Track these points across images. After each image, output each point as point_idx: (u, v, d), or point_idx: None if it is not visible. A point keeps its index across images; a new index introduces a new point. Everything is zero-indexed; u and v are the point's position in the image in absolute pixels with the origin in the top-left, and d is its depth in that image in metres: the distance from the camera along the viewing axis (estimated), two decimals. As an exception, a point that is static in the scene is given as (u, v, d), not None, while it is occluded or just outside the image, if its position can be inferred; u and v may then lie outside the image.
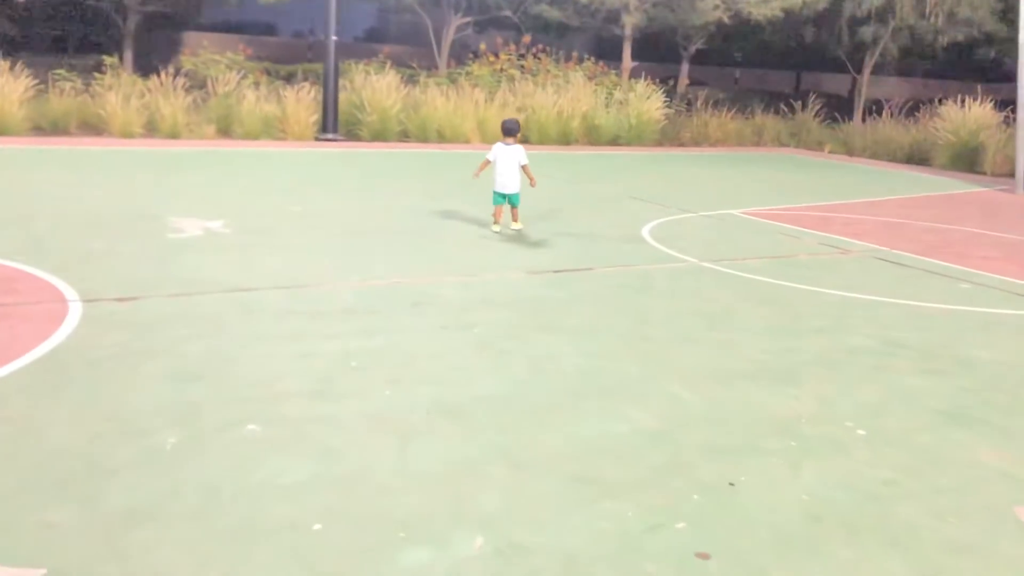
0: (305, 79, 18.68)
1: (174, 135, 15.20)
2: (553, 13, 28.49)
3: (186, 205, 8.91)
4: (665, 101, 19.89)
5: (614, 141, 19.41)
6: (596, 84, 20.27)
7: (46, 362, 4.40)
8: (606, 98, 19.88)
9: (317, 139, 16.31)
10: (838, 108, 28.44)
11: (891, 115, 20.27)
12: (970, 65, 43.67)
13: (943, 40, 27.48)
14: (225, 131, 16.20)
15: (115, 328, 4.96)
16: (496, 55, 21.06)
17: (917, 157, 18.77)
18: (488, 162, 8.71)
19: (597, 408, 4.22)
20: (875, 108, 30.32)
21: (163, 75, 16.23)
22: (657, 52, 32.16)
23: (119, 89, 15.79)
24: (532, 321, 5.62)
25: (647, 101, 19.56)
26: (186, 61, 17.97)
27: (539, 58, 21.25)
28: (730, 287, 6.87)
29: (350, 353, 4.77)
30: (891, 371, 5.05)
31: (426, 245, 7.77)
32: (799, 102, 22.58)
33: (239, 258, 6.81)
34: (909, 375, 5.00)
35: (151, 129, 15.62)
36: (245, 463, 3.43)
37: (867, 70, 29.06)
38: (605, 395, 4.40)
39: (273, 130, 16.18)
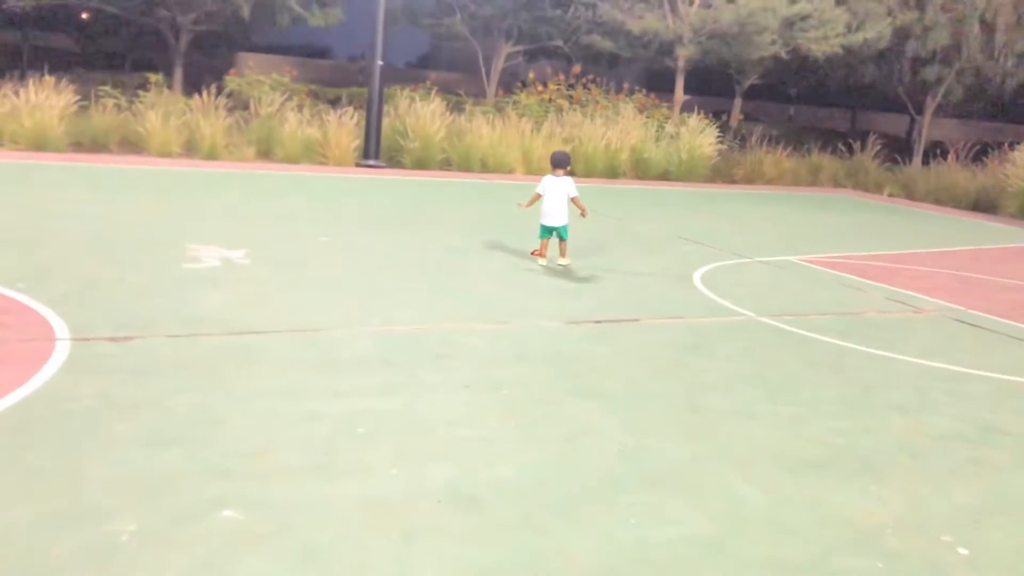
0: (350, 103, 18.33)
1: (212, 156, 14.89)
2: (605, 44, 28.02)
3: (209, 231, 8.44)
4: (718, 136, 19.19)
5: (663, 176, 18.74)
6: (646, 116, 19.66)
7: (11, 416, 3.86)
8: (656, 131, 19.25)
9: (358, 165, 15.90)
10: (896, 149, 27.46)
11: (956, 159, 19.31)
12: (1035, 109, 42.27)
13: (1011, 83, 26.41)
14: (265, 153, 15.87)
15: (99, 374, 4.42)
16: (545, 84, 20.57)
17: (984, 204, 17.80)
18: (538, 196, 8.30)
19: (640, 503, 3.55)
20: (936, 151, 29.28)
21: (205, 94, 15.98)
22: (709, 86, 31.55)
23: (160, 107, 15.56)
24: (569, 382, 4.97)
25: (699, 136, 18.88)
26: (230, 81, 17.73)
27: (589, 88, 20.73)
28: (791, 349, 6.14)
29: (358, 416, 4.16)
30: (990, 465, 4.29)
31: (459, 284, 7.18)
32: (857, 142, 21.68)
33: (253, 294, 6.27)
34: (1013, 471, 4.24)
35: (190, 149, 15.33)
36: (211, 565, 2.82)
37: (928, 111, 28.03)
38: (649, 485, 3.72)
39: (314, 154, 15.81)
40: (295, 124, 15.76)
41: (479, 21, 30.64)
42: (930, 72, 26.54)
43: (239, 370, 4.70)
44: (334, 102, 21.33)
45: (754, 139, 20.30)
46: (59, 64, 28.72)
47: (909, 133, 40.80)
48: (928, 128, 41.65)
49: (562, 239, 8.31)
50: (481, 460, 3.82)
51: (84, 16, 32.54)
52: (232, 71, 18.01)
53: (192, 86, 17.45)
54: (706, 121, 19.40)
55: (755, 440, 4.36)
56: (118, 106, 16.08)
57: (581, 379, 5.06)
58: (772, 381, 5.34)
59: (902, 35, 25.73)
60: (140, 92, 16.60)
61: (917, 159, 27.72)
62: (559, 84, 20.58)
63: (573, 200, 8.22)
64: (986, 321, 7.50)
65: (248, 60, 38.07)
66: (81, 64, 29.92)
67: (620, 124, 18.61)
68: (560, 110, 19.57)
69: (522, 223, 10.56)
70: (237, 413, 4.10)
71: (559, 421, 4.36)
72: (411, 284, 7.03)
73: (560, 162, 8.30)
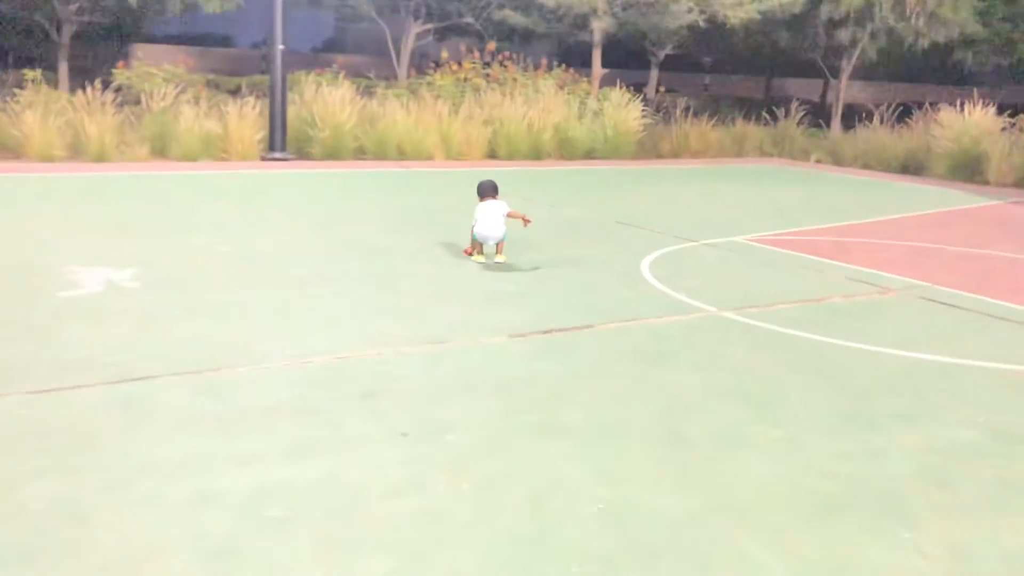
0: (251, 93, 17.08)
1: (101, 158, 13.54)
2: (518, 19, 27.11)
3: (93, 248, 7.35)
4: (643, 111, 18.58)
5: (589, 155, 18.05)
6: (568, 93, 18.90)
7: None
8: (579, 108, 18.52)
9: (263, 159, 14.74)
10: (813, 114, 27.35)
11: (880, 121, 19.12)
12: (943, 68, 43.16)
13: (923, 42, 26.55)
14: (160, 152, 14.56)
15: (-74, 461, 3.43)
16: (459, 64, 19.61)
17: (913, 166, 17.63)
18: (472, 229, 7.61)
19: (640, 594, 2.78)
20: (855, 114, 29.39)
21: (90, 90, 14.57)
22: (624, 59, 31.00)
23: (39, 107, 14.10)
24: (524, 417, 4.17)
25: (623, 111, 18.23)
26: (119, 74, 16.27)
27: (505, 66, 19.84)
28: (767, 348, 5.47)
29: (267, 494, 3.29)
30: (1021, 487, 3.67)
31: (385, 296, 6.29)
32: (780, 108, 21.38)
33: (140, 327, 5.28)
34: (1053, 496, 3.63)
35: (76, 151, 13.94)
36: None
37: (844, 74, 28.02)
38: (646, 561, 2.96)
39: (214, 150, 14.58)
40: (191, 118, 14.48)
41: (386, 0, 29.44)
42: (844, 35, 26.47)
43: (118, 435, 3.75)
44: (235, 92, 19.98)
45: (678, 111, 19.76)
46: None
47: (823, 97, 41.19)
48: (844, 92, 42.28)
49: (501, 240, 7.55)
50: (429, 544, 3.00)
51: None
52: (120, 63, 16.49)
53: (81, 83, 15.93)
54: (628, 95, 18.76)
55: (756, 479, 3.64)
56: (-10, 107, 14.56)
57: (538, 411, 4.27)
58: (754, 394, 4.64)
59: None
60: (16, 91, 15.09)
61: (835, 123, 27.76)
62: (474, 63, 19.63)
63: (509, 215, 7.53)
64: (957, 298, 6.98)
65: (142, 52, 35.99)
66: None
67: (541, 102, 17.80)
68: (477, 90, 18.66)
69: (450, 215, 9.72)
70: (110, 504, 3.18)
71: (520, 475, 3.56)
72: (329, 300, 6.12)
73: (488, 192, 7.65)
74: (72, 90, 15.77)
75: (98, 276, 6.42)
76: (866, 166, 18.46)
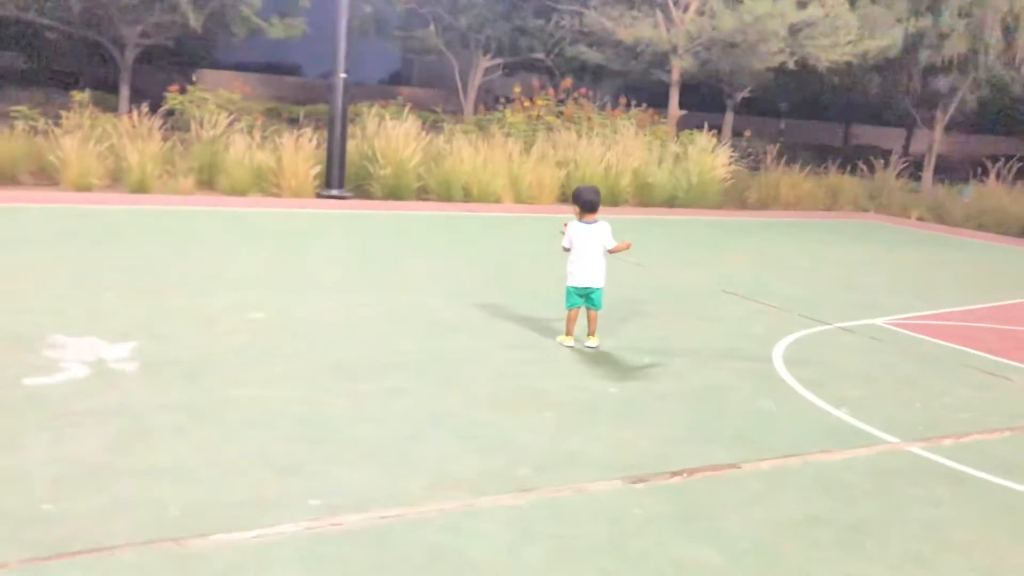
0: (310, 123, 15.90)
1: (141, 188, 12.37)
2: (593, 55, 25.82)
3: (93, 308, 5.98)
4: (732, 156, 16.95)
5: (669, 202, 16.45)
6: (648, 135, 17.37)
7: None
8: (659, 152, 16.97)
9: (319, 196, 13.45)
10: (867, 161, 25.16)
11: (997, 178, 17.18)
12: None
13: (1031, 93, 24.53)
14: (207, 184, 13.38)
15: None
16: (532, 100, 18.23)
17: (1035, 231, 15.68)
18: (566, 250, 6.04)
19: None
20: (944, 167, 27.31)
21: (135, 114, 13.50)
22: (697, 99, 29.43)
23: (82, 131, 13.06)
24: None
25: (709, 156, 16.62)
26: (170, 98, 15.23)
27: (580, 104, 18.41)
28: (996, 514, 3.79)
29: None
30: None
31: (446, 402, 4.76)
32: (880, 160, 19.54)
33: (112, 446, 3.82)
34: None
35: (116, 179, 12.83)
36: None
37: (939, 124, 26.02)
38: None
39: (265, 184, 13.34)
40: (242, 148, 13.28)
41: (454, 33, 28.35)
42: (943, 82, 24.58)
43: None
44: (295, 121, 18.92)
45: (768, 158, 18.05)
46: (7, 84, 26.15)
47: (906, 147, 39.03)
48: (917, 142, 40.00)
49: (594, 308, 6.01)
50: None
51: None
52: (173, 87, 15.46)
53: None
54: (714, 139, 17.15)
55: None
56: (34, 129, 13.58)
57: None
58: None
59: (912, 43, 23.78)
60: (62, 112, 14.12)
61: (927, 175, 25.75)
62: (547, 99, 18.24)
63: (612, 250, 5.99)
64: None
65: (209, 77, 35.58)
66: (34, 84, 27.31)
67: (620, 144, 16.30)
68: (550, 128, 17.25)
69: (523, 274, 8.21)
70: None
71: None
72: (372, 405, 4.61)
73: (591, 204, 6.04)
74: (109, 113, 14.75)
75: (86, 352, 5.01)
76: (980, 227, 16.50)
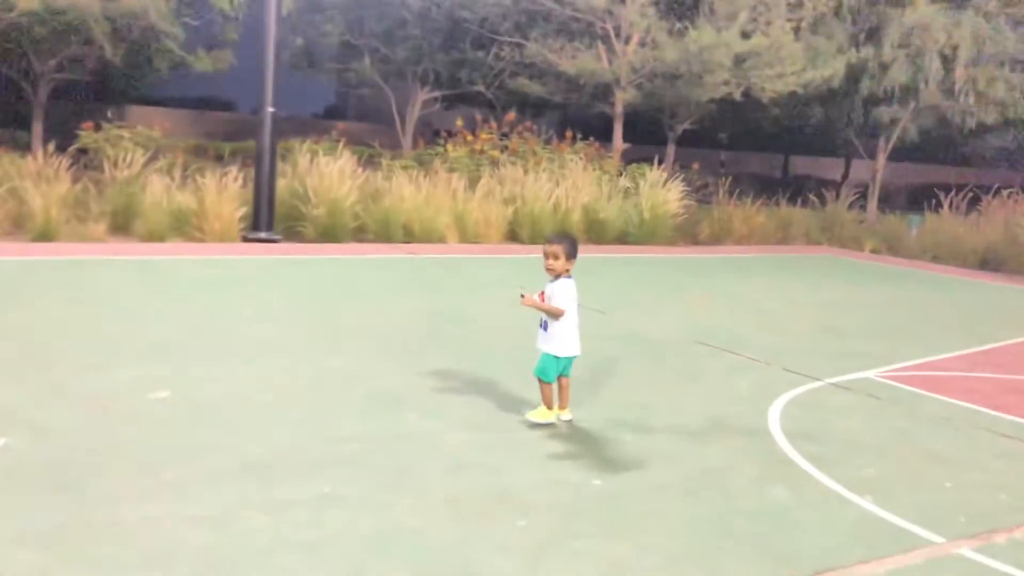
0: (239, 162, 14.84)
1: (46, 235, 11.15)
2: (534, 88, 25.20)
3: (-42, 392, 4.88)
4: (684, 190, 16.36)
5: (621, 238, 15.77)
6: (596, 170, 16.69)
7: None
8: (609, 187, 16.30)
9: (245, 239, 12.38)
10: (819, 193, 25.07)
11: (950, 207, 16.91)
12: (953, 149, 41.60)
13: (971, 123, 24.64)
14: (123, 229, 12.20)
15: None
16: (474, 134, 17.43)
17: (994, 262, 15.35)
18: (560, 312, 4.90)
19: None
20: (883, 195, 27.29)
21: (41, 154, 12.31)
22: (639, 132, 29.10)
23: (-21, 173, 11.83)
24: None
25: (660, 191, 16.00)
26: (84, 136, 14.04)
27: (524, 138, 17.67)
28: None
29: None
30: None
31: (391, 513, 3.80)
32: (828, 191, 19.23)
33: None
34: None
35: (17, 226, 11.59)
36: None
37: (882, 154, 26.03)
38: None
39: (187, 228, 12.22)
40: (160, 190, 12.16)
41: (391, 65, 27.54)
42: (885, 112, 24.58)
43: None
44: (221, 159, 17.79)
45: (720, 192, 17.53)
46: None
47: (844, 177, 39.32)
48: (856, 170, 40.40)
49: (566, 375, 5.08)
50: None
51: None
52: (86, 124, 14.26)
53: (58, 147, 13.72)
54: (660, 173, 16.53)
55: None
56: (-76, 172, 12.28)
57: None
58: None
59: (854, 73, 23.75)
60: (-39, 153, 12.86)
61: (872, 206, 25.68)
62: (491, 133, 17.46)
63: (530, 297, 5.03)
64: None
65: (136, 114, 34.06)
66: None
67: (568, 179, 15.59)
68: (494, 163, 16.47)
69: (474, 327, 7.31)
70: None
71: None
72: (299, 520, 3.63)
73: (574, 251, 5.01)
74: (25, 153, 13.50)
75: (-65, 457, 3.94)
76: (936, 259, 16.16)
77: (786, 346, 7.75)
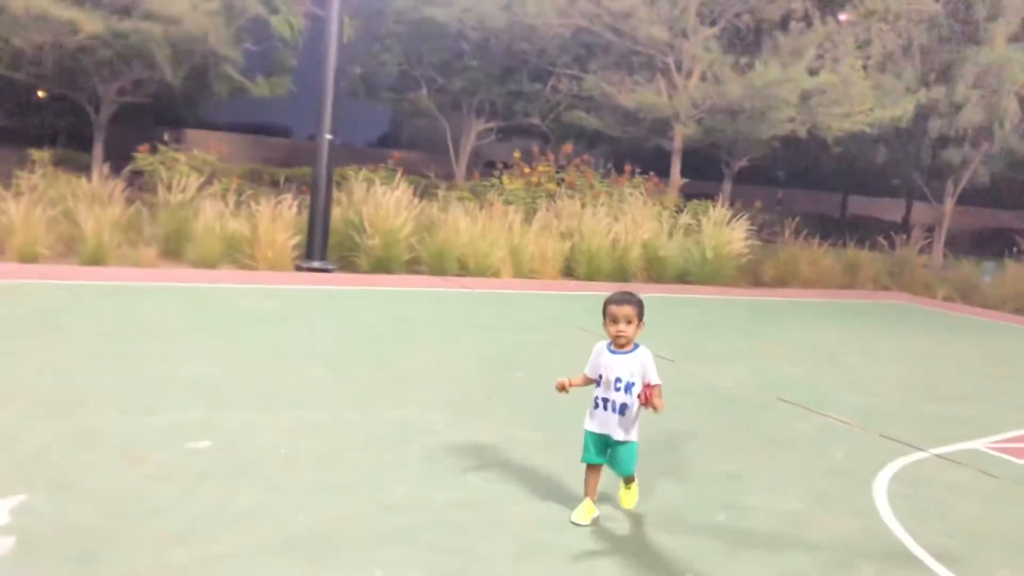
0: (291, 188, 14.57)
1: (96, 259, 10.92)
2: (590, 121, 24.82)
3: (-18, 435, 4.48)
4: (751, 229, 15.72)
5: (681, 277, 15.15)
6: (656, 205, 16.14)
7: None
8: (669, 223, 15.73)
9: (298, 269, 12.04)
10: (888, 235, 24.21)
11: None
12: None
13: (1047, 167, 23.62)
14: (174, 253, 11.96)
15: None
16: (531, 166, 17.01)
17: (1081, 315, 14.42)
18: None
19: None
20: (947, 241, 26.20)
21: (95, 177, 12.16)
22: (693, 168, 28.51)
23: (33, 194, 11.67)
24: None
25: (725, 230, 15.37)
26: (140, 159, 13.89)
27: (582, 171, 17.20)
28: None
29: None
30: None
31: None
32: (904, 235, 18.40)
33: None
34: None
35: (69, 249, 11.39)
36: None
37: (951, 198, 25.05)
38: None
39: (239, 255, 11.92)
40: (212, 216, 11.90)
41: (447, 96, 27.40)
42: (955, 154, 23.66)
43: None
44: (276, 185, 17.61)
45: (787, 232, 16.83)
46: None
47: (906, 220, 38.16)
48: (918, 214, 39.13)
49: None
50: None
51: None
52: (143, 147, 14.13)
53: (118, 168, 13.62)
54: (725, 210, 15.91)
55: None
56: (-17, 192, 12.18)
57: None
58: None
59: (923, 113, 22.90)
60: (17, 173, 12.76)
61: (937, 251, 24.67)
62: (548, 165, 17.03)
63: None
64: None
65: (194, 138, 34.39)
66: (11, 142, 25.96)
67: (628, 214, 15.05)
68: (551, 196, 16.01)
69: (534, 374, 6.71)
70: None
71: None
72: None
73: (631, 315, 4.04)
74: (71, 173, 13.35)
75: (-53, 515, 3.50)
76: (1018, 311, 15.24)
77: (877, 407, 7.07)
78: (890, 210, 41.87)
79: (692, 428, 5.87)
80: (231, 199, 12.62)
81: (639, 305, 4.08)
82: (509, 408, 5.95)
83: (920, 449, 5.90)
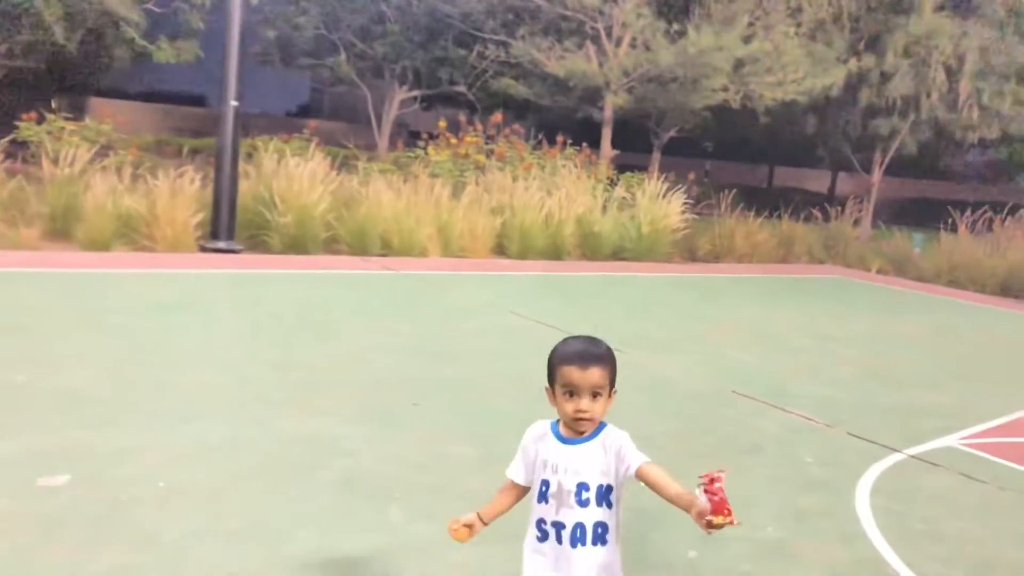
0: (197, 161, 13.40)
1: (-33, 242, 9.71)
2: (519, 89, 23.98)
3: None
4: (686, 203, 15.17)
5: (616, 254, 14.54)
6: (590, 178, 15.44)
7: None
8: (603, 197, 15.07)
9: (202, 249, 10.98)
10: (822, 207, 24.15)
11: (967, 227, 15.85)
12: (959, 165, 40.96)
13: (972, 137, 23.76)
14: (61, 234, 10.76)
15: None
16: (458, 136, 16.11)
17: (1016, 288, 14.30)
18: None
19: None
20: (875, 211, 26.29)
21: (-33, 149, 10.85)
22: (621, 139, 27.96)
23: None
24: None
25: (661, 203, 14.79)
26: (23, 128, 12.53)
27: (512, 142, 16.37)
28: None
29: None
30: None
31: None
32: (837, 207, 18.13)
33: None
34: None
35: (-63, 230, 10.11)
36: None
37: (879, 168, 25.07)
38: None
39: (135, 235, 10.79)
40: (104, 191, 10.72)
41: (368, 62, 26.18)
42: (884, 124, 23.61)
43: None
44: (179, 156, 16.28)
45: (724, 205, 16.36)
46: None
47: (831, 190, 38.46)
48: (843, 184, 39.55)
49: None
50: None
51: None
52: (28, 115, 12.74)
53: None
54: (660, 183, 15.31)
55: None
56: None
57: None
58: None
59: (853, 82, 22.74)
60: None
61: (867, 221, 24.69)
62: (476, 136, 16.15)
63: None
64: None
65: (98, 107, 32.28)
66: None
67: (562, 188, 14.33)
68: (480, 169, 15.17)
69: (469, 364, 5.93)
70: None
71: None
72: None
73: (607, 379, 2.37)
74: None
75: None
76: (952, 283, 15.07)
77: (838, 399, 6.51)
78: (816, 181, 42.23)
79: (648, 433, 5.16)
80: (127, 173, 11.43)
81: (611, 364, 2.38)
82: (439, 416, 5.16)
83: (894, 450, 5.34)
